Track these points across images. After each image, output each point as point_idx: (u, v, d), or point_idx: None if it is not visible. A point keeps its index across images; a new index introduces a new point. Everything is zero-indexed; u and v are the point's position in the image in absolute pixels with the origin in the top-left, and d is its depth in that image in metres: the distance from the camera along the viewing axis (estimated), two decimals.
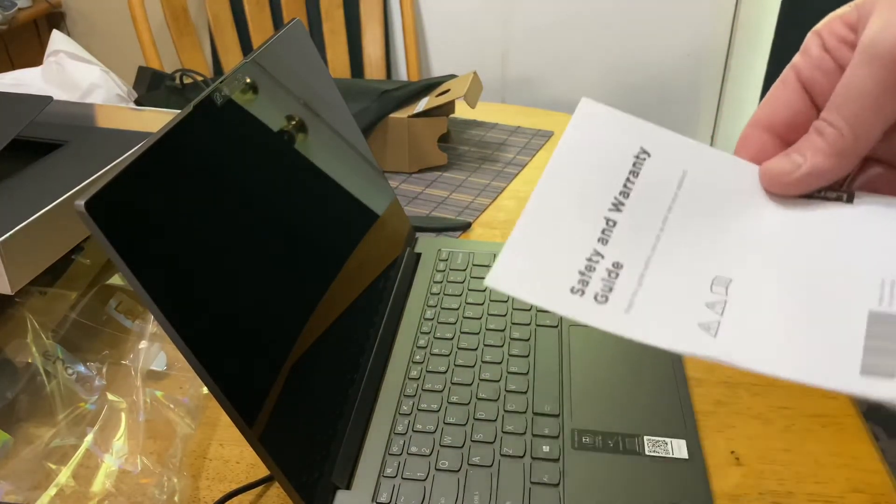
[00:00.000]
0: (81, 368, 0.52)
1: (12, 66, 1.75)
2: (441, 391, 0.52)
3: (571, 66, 1.68)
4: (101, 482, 0.42)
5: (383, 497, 0.44)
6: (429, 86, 0.94)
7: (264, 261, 0.45)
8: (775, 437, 0.49)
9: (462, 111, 1.08)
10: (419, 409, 0.50)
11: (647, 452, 0.47)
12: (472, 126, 1.04)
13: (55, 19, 1.88)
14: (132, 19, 1.40)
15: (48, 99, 0.66)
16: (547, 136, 0.99)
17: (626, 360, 0.54)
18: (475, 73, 0.90)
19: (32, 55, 1.82)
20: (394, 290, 0.61)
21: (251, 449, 0.49)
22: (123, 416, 0.45)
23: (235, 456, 0.49)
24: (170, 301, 0.36)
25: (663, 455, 0.47)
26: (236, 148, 0.45)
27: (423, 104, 0.89)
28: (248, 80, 0.48)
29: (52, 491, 0.42)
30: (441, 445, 0.47)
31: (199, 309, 0.38)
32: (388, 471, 0.46)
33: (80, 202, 0.33)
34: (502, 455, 0.47)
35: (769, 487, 0.45)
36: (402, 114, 0.88)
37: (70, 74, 0.89)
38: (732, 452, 0.48)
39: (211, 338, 0.38)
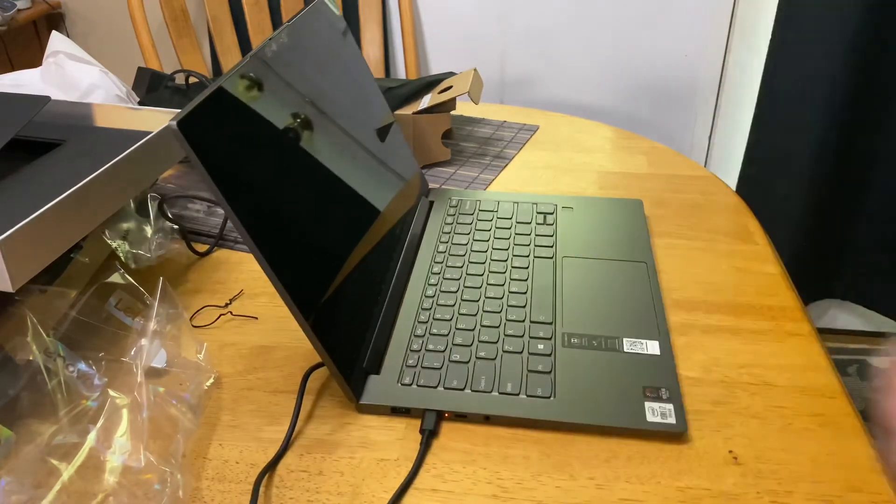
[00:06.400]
0: (82, 366, 0.52)
1: (12, 66, 1.75)
2: (452, 305, 0.61)
3: (569, 67, 1.68)
4: (104, 478, 0.42)
5: (406, 380, 0.53)
6: (430, 83, 0.94)
7: (321, 189, 0.55)
8: (773, 437, 0.49)
9: (459, 109, 1.08)
10: (434, 318, 0.59)
11: (625, 350, 0.56)
12: (471, 122, 1.04)
13: (54, 20, 1.88)
14: (131, 20, 1.40)
15: (46, 98, 0.66)
16: (533, 129, 0.99)
17: (610, 281, 0.64)
18: (475, 69, 0.90)
19: (32, 56, 1.82)
20: (412, 226, 0.72)
21: (251, 448, 0.49)
22: (125, 412, 0.45)
23: (235, 456, 0.49)
24: (246, 213, 0.44)
25: (639, 352, 0.56)
26: (296, 92, 0.55)
27: (426, 101, 0.89)
28: (288, 41, 0.57)
29: (56, 487, 0.42)
30: (453, 344, 0.56)
31: (270, 222, 0.47)
32: (410, 361, 0.55)
33: (174, 122, 0.40)
34: (504, 352, 0.56)
35: (767, 487, 0.46)
36: (406, 111, 0.88)
37: (69, 75, 0.89)
38: (730, 452, 0.48)
39: (278, 247, 0.47)
